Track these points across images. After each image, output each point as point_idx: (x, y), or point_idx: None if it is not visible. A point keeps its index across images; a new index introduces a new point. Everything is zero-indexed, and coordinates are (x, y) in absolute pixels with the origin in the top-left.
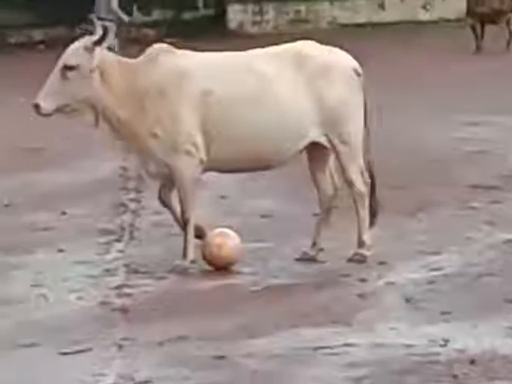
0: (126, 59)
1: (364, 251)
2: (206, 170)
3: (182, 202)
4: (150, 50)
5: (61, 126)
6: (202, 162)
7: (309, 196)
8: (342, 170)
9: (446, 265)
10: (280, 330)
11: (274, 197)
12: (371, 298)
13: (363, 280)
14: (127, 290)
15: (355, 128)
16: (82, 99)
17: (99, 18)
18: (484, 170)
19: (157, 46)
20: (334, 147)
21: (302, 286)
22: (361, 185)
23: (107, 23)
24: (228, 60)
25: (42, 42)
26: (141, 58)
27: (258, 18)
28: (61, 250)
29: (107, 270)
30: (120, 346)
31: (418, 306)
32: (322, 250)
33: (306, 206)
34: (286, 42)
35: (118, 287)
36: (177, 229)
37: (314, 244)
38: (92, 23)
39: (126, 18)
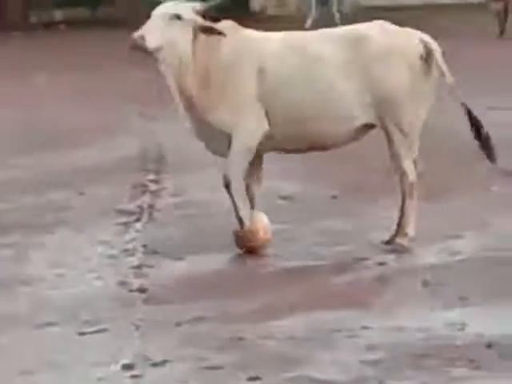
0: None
1: (405, 242)
2: (264, 149)
3: (229, 165)
4: (219, 26)
5: (80, 106)
6: (264, 131)
7: (327, 178)
8: (395, 157)
9: (464, 249)
10: (298, 312)
11: (293, 179)
12: (389, 281)
13: (381, 263)
14: (145, 271)
15: (414, 116)
16: (178, 54)
17: None
18: (504, 154)
19: (225, 22)
20: (388, 132)
21: (321, 269)
22: (413, 176)
23: None
24: (285, 40)
25: (62, 21)
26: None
27: (280, 1)
28: (79, 230)
29: (125, 251)
30: (137, 327)
31: (436, 289)
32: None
33: (325, 188)
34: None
35: (136, 267)
36: (196, 210)
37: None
38: None
39: None
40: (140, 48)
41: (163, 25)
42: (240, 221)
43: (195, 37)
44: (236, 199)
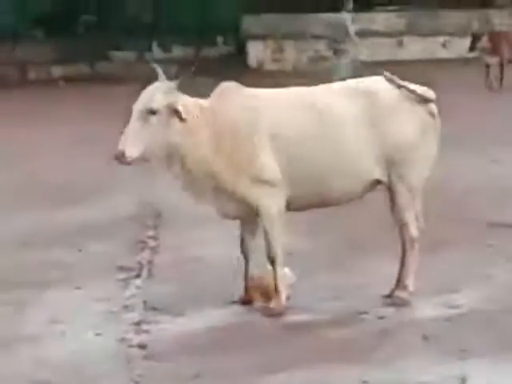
0: (200, 100)
1: (405, 295)
2: None
3: (268, 240)
4: (220, 89)
5: (78, 163)
6: (286, 194)
7: (327, 232)
8: (397, 211)
9: (464, 302)
10: (297, 366)
11: (292, 234)
12: (389, 335)
13: (381, 317)
14: (145, 327)
15: (419, 171)
16: (164, 144)
17: (335, 41)
18: (503, 207)
19: (226, 84)
20: (393, 187)
21: (320, 323)
22: (414, 230)
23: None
24: (292, 98)
25: (61, 78)
26: (212, 97)
27: (277, 56)
28: (78, 287)
29: (125, 307)
30: (137, 383)
31: (436, 343)
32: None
33: (324, 242)
34: (305, 79)
35: (135, 324)
36: (194, 266)
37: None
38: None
39: (357, 41)
40: (124, 163)
41: (140, 127)
42: (277, 291)
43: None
44: (279, 273)
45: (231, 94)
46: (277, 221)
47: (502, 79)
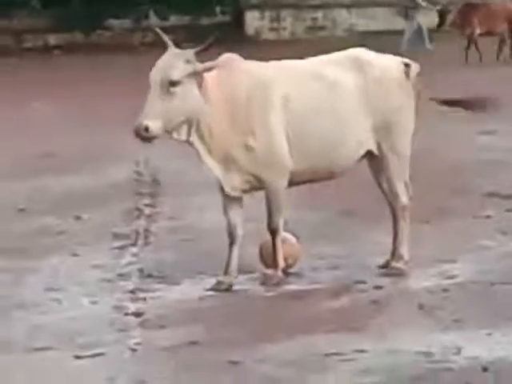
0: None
1: (401, 265)
2: None
3: (272, 212)
4: (223, 60)
5: (74, 131)
6: (289, 171)
7: (321, 203)
8: (388, 181)
9: (460, 273)
10: (293, 335)
11: (287, 205)
12: (385, 304)
13: (377, 287)
14: (141, 295)
15: (406, 138)
16: (185, 115)
17: (404, 7)
18: (499, 178)
19: (228, 55)
20: (383, 156)
21: (316, 292)
22: (405, 198)
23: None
24: (299, 68)
25: (57, 46)
26: (218, 67)
27: (275, 25)
28: (75, 255)
29: (121, 275)
30: (133, 351)
31: (432, 313)
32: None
33: (319, 213)
34: (303, 48)
35: (131, 292)
36: (190, 234)
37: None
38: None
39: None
40: (146, 138)
41: (161, 99)
42: (276, 264)
43: (202, 78)
44: (278, 245)
45: (239, 64)
46: (282, 195)
47: (468, 50)
